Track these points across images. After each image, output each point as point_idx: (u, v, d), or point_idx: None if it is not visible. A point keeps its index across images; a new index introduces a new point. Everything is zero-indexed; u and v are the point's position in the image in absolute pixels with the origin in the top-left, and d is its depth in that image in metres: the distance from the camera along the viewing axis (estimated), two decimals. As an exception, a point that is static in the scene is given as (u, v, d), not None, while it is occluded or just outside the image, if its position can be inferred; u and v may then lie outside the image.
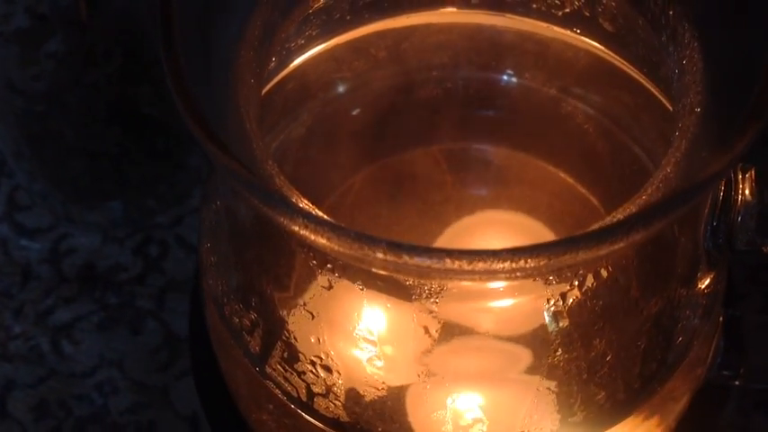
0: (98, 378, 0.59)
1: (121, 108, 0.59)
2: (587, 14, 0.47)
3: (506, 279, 0.36)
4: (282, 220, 0.33)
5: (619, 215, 0.37)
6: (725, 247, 0.41)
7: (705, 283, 0.43)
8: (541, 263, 0.33)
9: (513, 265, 0.33)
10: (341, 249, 0.33)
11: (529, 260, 0.33)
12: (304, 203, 0.38)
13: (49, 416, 0.58)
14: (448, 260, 0.33)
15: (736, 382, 0.48)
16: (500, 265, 0.33)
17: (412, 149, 0.53)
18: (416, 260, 0.33)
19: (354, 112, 0.52)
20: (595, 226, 0.36)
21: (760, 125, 0.33)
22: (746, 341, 0.49)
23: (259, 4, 0.41)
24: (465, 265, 0.33)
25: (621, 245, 0.34)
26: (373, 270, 0.36)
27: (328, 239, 0.33)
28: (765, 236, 0.40)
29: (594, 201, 0.53)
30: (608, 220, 0.37)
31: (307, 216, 0.33)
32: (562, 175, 0.53)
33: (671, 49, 0.41)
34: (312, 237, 0.33)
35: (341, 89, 0.52)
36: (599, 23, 0.47)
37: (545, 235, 0.56)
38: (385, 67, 0.52)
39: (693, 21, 0.40)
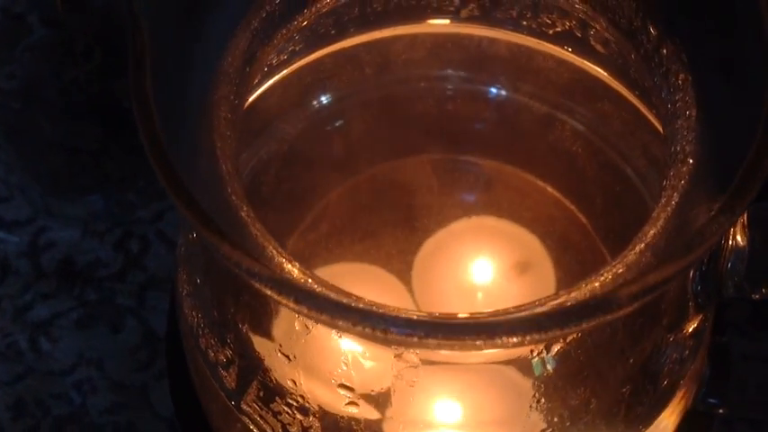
0: (77, 377, 0.58)
1: (101, 103, 0.57)
2: (579, 35, 0.45)
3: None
4: (264, 291, 0.32)
5: (608, 274, 0.35)
6: (713, 293, 0.40)
7: (693, 326, 0.41)
8: (517, 340, 0.31)
9: (490, 341, 0.31)
10: (319, 317, 0.32)
11: (505, 338, 0.31)
12: (279, 255, 0.36)
13: (26, 415, 0.57)
14: (427, 337, 0.31)
15: (721, 411, 0.47)
16: (476, 342, 0.31)
17: (399, 159, 0.52)
18: (394, 333, 0.32)
19: (338, 124, 0.50)
20: (582, 291, 0.34)
21: (749, 198, 0.31)
22: (733, 369, 0.47)
23: (237, 35, 0.38)
24: (443, 341, 0.31)
25: (599, 321, 0.32)
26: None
27: (307, 309, 0.32)
28: (755, 284, 0.39)
29: (581, 216, 0.52)
30: (597, 279, 0.35)
31: (284, 288, 0.31)
32: (549, 188, 0.52)
33: (663, 90, 0.39)
34: (291, 305, 0.32)
35: (326, 100, 0.50)
36: (591, 45, 0.45)
37: (530, 242, 0.55)
38: (371, 79, 0.50)
39: (687, 63, 0.38)
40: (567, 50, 0.46)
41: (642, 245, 0.35)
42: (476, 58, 0.49)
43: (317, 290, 0.33)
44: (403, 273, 0.52)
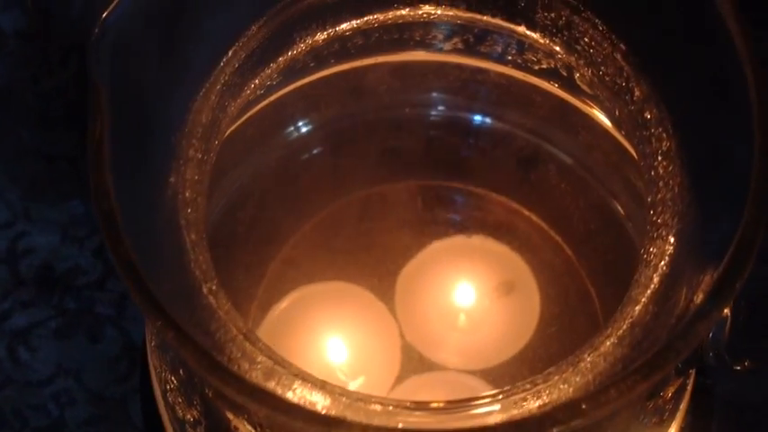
0: (55, 388, 0.57)
1: (79, 111, 0.56)
2: (564, 74, 0.43)
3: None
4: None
5: (582, 364, 0.34)
6: (694, 361, 0.38)
7: (672, 390, 0.40)
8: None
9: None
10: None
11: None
12: (244, 334, 0.35)
13: (5, 425, 0.56)
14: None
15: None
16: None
17: (383, 185, 0.50)
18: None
19: (318, 151, 0.49)
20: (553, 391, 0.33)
21: (725, 305, 0.30)
22: (715, 412, 0.46)
23: (206, 96, 0.37)
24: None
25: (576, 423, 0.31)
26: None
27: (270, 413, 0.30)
28: (736, 356, 0.37)
29: (564, 244, 0.50)
30: (566, 374, 0.34)
31: (253, 398, 0.30)
32: (529, 214, 0.50)
33: (647, 156, 0.37)
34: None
35: (306, 128, 0.48)
36: (577, 85, 0.43)
37: (514, 261, 0.53)
38: (351, 106, 0.48)
39: (672, 130, 0.36)
40: (553, 85, 0.44)
41: (614, 338, 0.33)
42: (459, 86, 0.47)
43: (280, 401, 0.32)
44: (386, 293, 0.51)
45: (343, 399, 0.33)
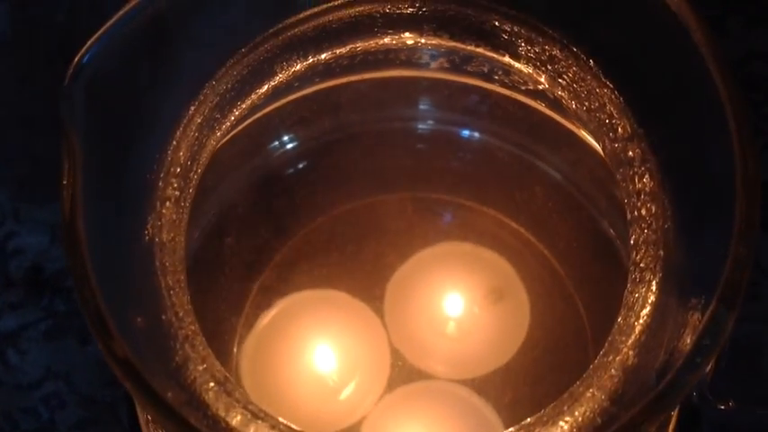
0: (44, 391, 0.57)
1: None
2: (551, 96, 0.42)
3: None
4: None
5: (557, 414, 0.33)
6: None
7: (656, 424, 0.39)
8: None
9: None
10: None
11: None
12: (221, 384, 0.34)
13: None
14: None
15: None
16: None
17: (372, 197, 0.50)
18: None
19: (301, 165, 0.48)
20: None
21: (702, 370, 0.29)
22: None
23: (184, 133, 0.36)
24: None
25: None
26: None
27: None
28: (720, 396, 0.37)
29: (552, 258, 0.50)
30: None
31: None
32: (517, 227, 0.50)
33: (631, 194, 0.36)
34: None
35: (293, 143, 0.47)
36: (564, 106, 0.42)
37: (503, 268, 0.53)
38: (338, 120, 0.47)
39: (657, 172, 0.35)
40: (540, 104, 0.43)
41: (595, 389, 0.32)
42: (447, 100, 0.46)
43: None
44: (375, 300, 0.51)
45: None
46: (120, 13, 0.33)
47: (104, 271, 0.33)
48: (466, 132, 0.47)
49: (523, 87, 0.42)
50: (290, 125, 0.46)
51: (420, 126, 0.47)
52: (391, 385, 0.50)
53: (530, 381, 0.48)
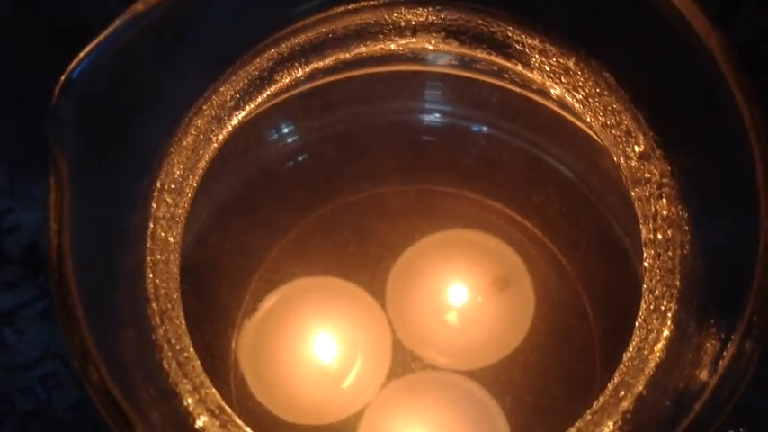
0: (42, 371, 0.55)
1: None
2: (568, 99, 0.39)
3: None
4: None
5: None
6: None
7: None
8: None
9: None
10: None
11: None
12: (216, 416, 0.32)
13: None
14: None
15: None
16: None
17: (377, 188, 0.48)
18: None
19: (301, 158, 0.46)
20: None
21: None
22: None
23: (178, 149, 0.33)
24: None
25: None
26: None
27: None
28: (730, 423, 0.35)
29: (552, 246, 0.48)
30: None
31: None
32: (523, 220, 0.48)
33: (647, 220, 0.34)
34: None
35: (295, 135, 0.45)
36: (580, 118, 0.39)
37: (509, 256, 0.51)
38: (342, 113, 0.45)
39: (678, 196, 0.33)
40: (552, 103, 0.41)
41: (613, 425, 0.31)
42: (455, 95, 0.44)
43: None
44: (377, 288, 0.49)
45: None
46: (111, 26, 0.30)
47: (92, 293, 0.31)
48: (474, 127, 0.45)
49: (535, 87, 0.40)
50: (292, 118, 0.44)
51: (426, 119, 0.45)
52: (393, 375, 0.48)
53: (533, 373, 0.47)
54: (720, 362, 0.29)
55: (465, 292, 0.50)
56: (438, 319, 0.49)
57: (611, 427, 0.31)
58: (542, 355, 0.47)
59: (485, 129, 0.45)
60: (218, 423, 0.31)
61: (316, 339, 0.49)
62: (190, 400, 0.31)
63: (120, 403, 0.30)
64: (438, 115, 0.45)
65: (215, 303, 0.46)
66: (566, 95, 0.35)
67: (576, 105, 0.35)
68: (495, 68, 0.39)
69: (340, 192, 0.46)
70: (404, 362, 0.48)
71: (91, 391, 0.30)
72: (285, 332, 0.49)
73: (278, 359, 0.49)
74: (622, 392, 0.31)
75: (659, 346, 0.31)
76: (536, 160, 0.44)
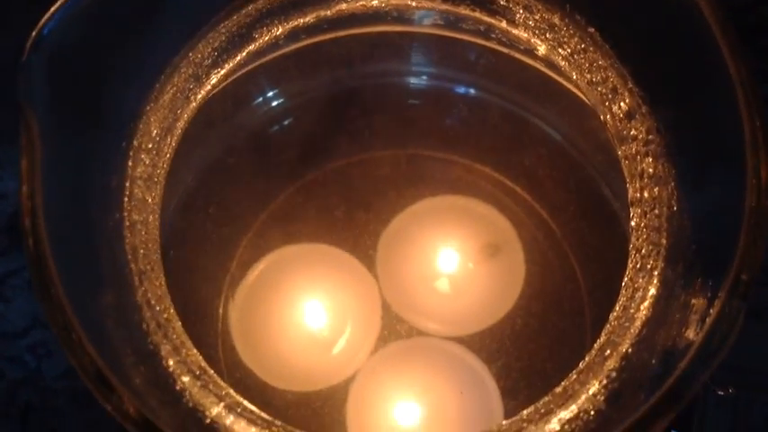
0: (31, 340, 0.55)
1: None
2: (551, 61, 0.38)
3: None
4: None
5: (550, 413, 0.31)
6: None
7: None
8: None
9: None
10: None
11: None
12: (197, 376, 0.32)
13: None
14: None
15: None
16: None
17: (366, 153, 0.47)
18: None
19: (287, 122, 0.45)
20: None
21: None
22: (698, 408, 0.44)
23: (155, 107, 0.33)
24: None
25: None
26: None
27: None
28: (719, 382, 0.34)
29: (542, 210, 0.47)
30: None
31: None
32: (512, 185, 0.47)
33: (633, 179, 0.33)
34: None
35: (280, 98, 0.44)
36: (566, 75, 0.39)
37: (499, 222, 0.50)
38: (328, 76, 0.44)
39: (663, 152, 0.32)
40: (539, 64, 0.40)
41: (590, 385, 0.30)
42: (440, 56, 0.43)
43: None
44: (367, 255, 0.48)
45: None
46: (85, -21, 0.29)
47: (68, 255, 0.30)
48: (461, 89, 0.44)
49: (522, 47, 0.39)
50: (276, 81, 0.43)
51: (413, 81, 0.44)
52: (383, 341, 0.48)
53: (523, 338, 0.46)
54: (707, 320, 0.28)
55: (455, 258, 0.49)
56: (428, 285, 0.49)
57: (597, 386, 0.30)
58: (532, 320, 0.46)
59: (472, 91, 0.44)
60: (199, 383, 0.31)
61: (305, 306, 0.48)
62: (171, 361, 0.31)
63: (101, 368, 0.29)
64: (425, 78, 0.44)
65: (201, 269, 0.45)
66: (551, 53, 0.34)
67: (562, 63, 0.34)
68: (482, 28, 0.38)
69: (327, 157, 0.45)
70: (394, 328, 0.47)
71: (70, 357, 0.29)
72: (274, 299, 0.49)
73: (267, 326, 0.48)
74: (608, 351, 0.31)
75: (645, 304, 0.31)
76: (524, 123, 0.44)
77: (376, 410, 0.47)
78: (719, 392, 0.34)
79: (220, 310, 0.46)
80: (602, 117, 0.34)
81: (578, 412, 0.30)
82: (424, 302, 0.48)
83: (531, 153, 0.44)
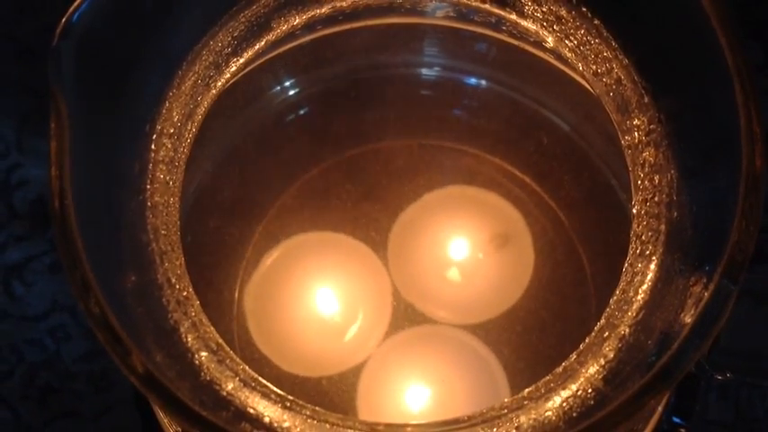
0: (50, 323, 0.57)
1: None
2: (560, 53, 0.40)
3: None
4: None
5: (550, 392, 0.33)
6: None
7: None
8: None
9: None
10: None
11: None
12: (213, 351, 0.34)
13: (1, 360, 0.56)
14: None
15: (683, 430, 0.46)
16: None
17: (378, 143, 0.49)
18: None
19: (303, 112, 0.47)
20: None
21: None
22: (698, 393, 0.45)
23: (177, 94, 0.35)
24: None
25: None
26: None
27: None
28: (718, 368, 0.36)
29: (551, 201, 0.49)
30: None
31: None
32: (522, 175, 0.49)
33: (636, 168, 0.35)
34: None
35: (296, 89, 0.46)
36: (573, 66, 0.40)
37: (509, 212, 0.52)
38: (341, 67, 0.46)
39: (665, 142, 0.34)
40: (549, 56, 0.42)
41: (589, 365, 0.32)
42: (452, 48, 0.45)
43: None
44: (379, 243, 0.50)
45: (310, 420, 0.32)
46: (112, -31, 0.31)
47: (94, 235, 0.32)
48: (472, 80, 0.46)
49: (531, 38, 0.41)
50: (292, 71, 0.45)
51: (425, 73, 0.46)
52: (394, 328, 0.49)
53: (531, 327, 0.48)
54: (701, 301, 0.30)
55: (466, 248, 0.51)
56: (439, 274, 0.50)
57: (596, 366, 0.32)
58: (540, 308, 0.48)
59: (483, 82, 0.46)
60: (216, 359, 0.32)
61: (318, 294, 0.50)
62: (189, 337, 0.33)
63: (127, 343, 0.31)
64: (437, 69, 0.46)
65: (217, 255, 0.47)
66: (559, 44, 0.36)
67: (569, 54, 0.36)
68: (492, 20, 0.40)
69: (341, 146, 0.47)
70: (405, 316, 0.49)
71: (97, 332, 0.31)
72: (288, 286, 0.50)
73: (281, 312, 0.50)
74: (606, 333, 0.32)
75: (644, 288, 0.32)
76: (533, 114, 0.45)
77: (386, 394, 0.49)
78: (718, 377, 0.36)
79: (236, 295, 0.48)
80: (606, 107, 0.35)
81: (577, 391, 0.32)
82: (434, 291, 0.50)
83: (541, 144, 0.46)
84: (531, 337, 0.47)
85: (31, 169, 0.58)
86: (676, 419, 0.45)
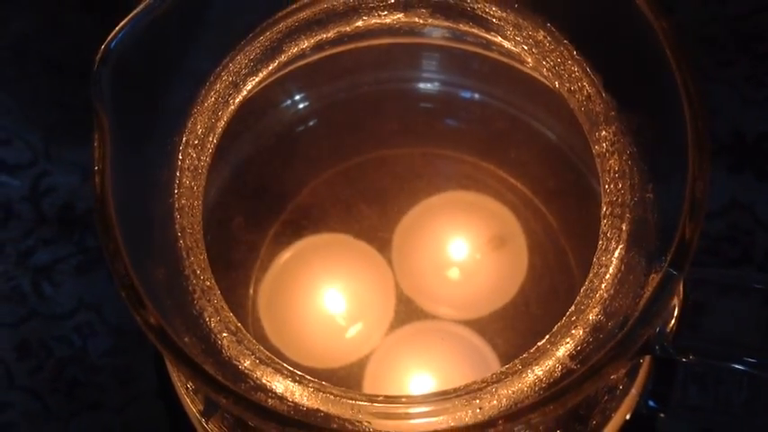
0: (77, 321, 0.61)
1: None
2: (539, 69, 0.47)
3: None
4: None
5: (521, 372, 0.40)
6: (641, 351, 0.44)
7: (624, 369, 0.46)
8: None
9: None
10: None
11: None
12: (233, 333, 0.41)
13: (31, 355, 0.61)
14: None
15: (662, 415, 0.52)
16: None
17: (382, 150, 0.55)
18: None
19: (312, 123, 0.54)
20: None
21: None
22: (676, 376, 0.52)
23: (200, 109, 0.42)
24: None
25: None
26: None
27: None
28: (682, 351, 0.43)
29: (542, 206, 0.56)
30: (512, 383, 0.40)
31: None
32: (514, 181, 0.55)
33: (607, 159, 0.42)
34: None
35: (305, 102, 0.54)
36: (550, 84, 0.48)
37: (505, 216, 0.58)
38: (346, 82, 0.53)
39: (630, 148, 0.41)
40: (534, 73, 0.49)
41: (559, 345, 0.39)
42: (448, 65, 0.52)
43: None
44: (384, 245, 0.56)
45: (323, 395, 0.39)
46: (143, 3, 0.39)
47: (131, 233, 0.39)
48: (467, 93, 0.53)
49: (516, 58, 0.48)
50: (302, 87, 0.52)
51: (424, 87, 0.53)
52: (398, 323, 0.55)
53: (524, 322, 0.54)
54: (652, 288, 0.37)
55: (465, 249, 0.57)
56: (440, 273, 0.56)
57: (565, 347, 0.39)
58: (533, 304, 0.54)
59: (476, 96, 0.53)
60: (235, 339, 0.40)
61: (326, 292, 0.55)
62: (212, 321, 0.40)
63: (162, 325, 0.38)
64: (436, 84, 0.53)
65: (234, 254, 0.54)
66: (538, 65, 0.43)
67: (546, 73, 0.43)
68: (483, 41, 0.48)
69: (347, 154, 0.54)
70: (408, 312, 0.54)
71: (135, 315, 0.38)
72: (299, 284, 0.55)
73: (292, 309, 0.55)
74: (575, 318, 0.40)
75: (607, 278, 0.40)
76: (522, 124, 0.53)
77: (391, 382, 0.55)
78: (682, 359, 0.43)
79: (250, 291, 0.55)
80: (579, 119, 0.43)
81: (547, 367, 0.39)
82: (435, 288, 0.56)
83: (530, 151, 0.53)
84: (524, 329, 0.54)
85: (58, 177, 0.64)
86: (652, 403, 0.51)
